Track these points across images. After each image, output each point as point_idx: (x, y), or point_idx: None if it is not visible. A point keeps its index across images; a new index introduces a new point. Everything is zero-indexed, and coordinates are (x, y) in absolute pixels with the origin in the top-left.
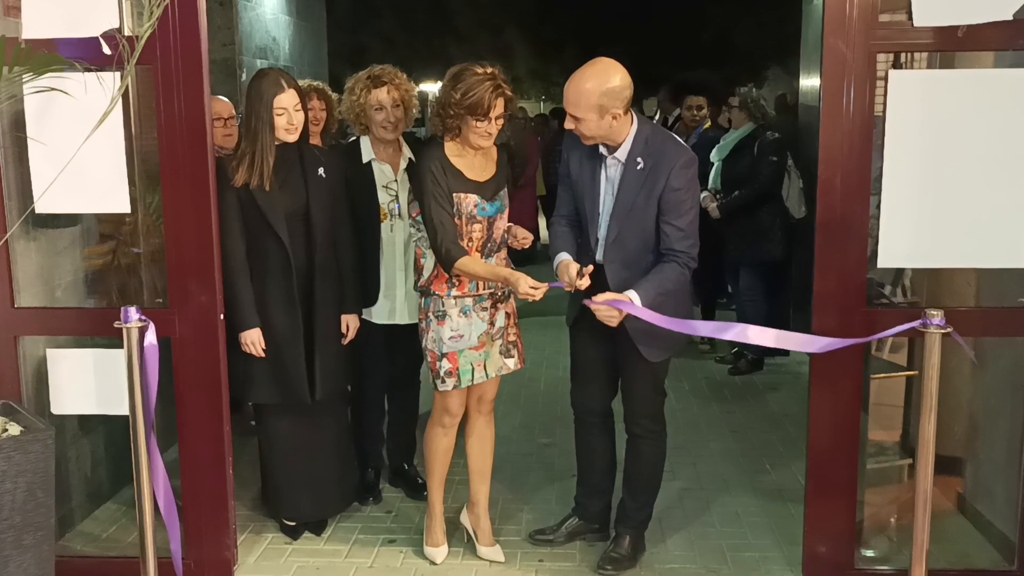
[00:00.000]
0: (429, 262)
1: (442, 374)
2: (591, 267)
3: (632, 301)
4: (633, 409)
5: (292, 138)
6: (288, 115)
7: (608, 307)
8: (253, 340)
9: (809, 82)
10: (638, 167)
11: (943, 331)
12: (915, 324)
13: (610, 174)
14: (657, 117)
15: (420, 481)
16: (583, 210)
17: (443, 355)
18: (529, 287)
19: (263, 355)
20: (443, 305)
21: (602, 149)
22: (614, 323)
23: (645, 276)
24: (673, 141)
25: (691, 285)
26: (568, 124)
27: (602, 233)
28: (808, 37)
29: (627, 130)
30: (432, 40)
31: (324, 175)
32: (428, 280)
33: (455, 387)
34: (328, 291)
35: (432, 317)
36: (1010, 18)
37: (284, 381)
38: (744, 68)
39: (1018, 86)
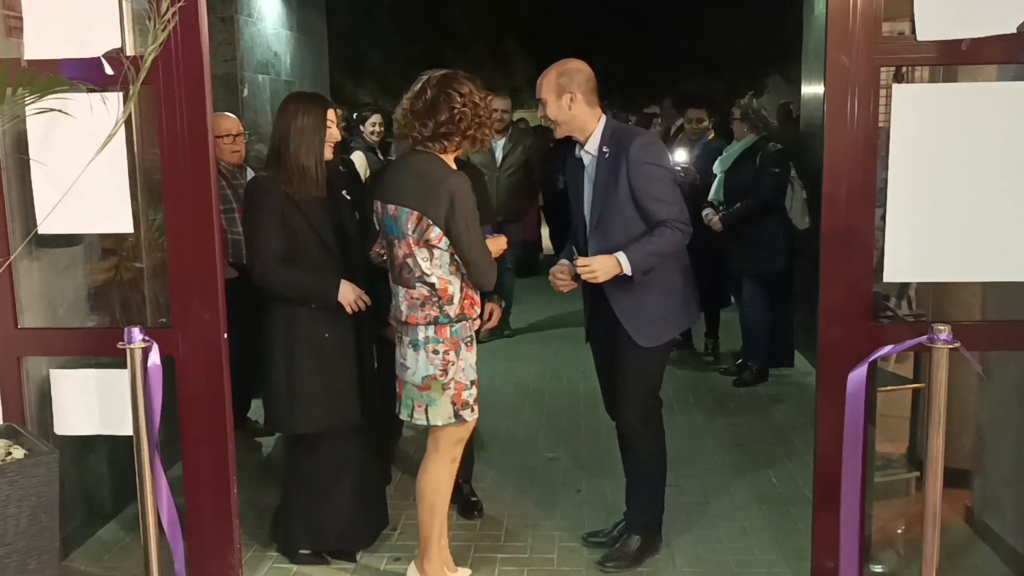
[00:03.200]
0: (454, 287)
1: (471, 403)
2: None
3: (619, 260)
4: (624, 410)
5: (329, 154)
6: (333, 129)
7: (587, 265)
8: (353, 297)
9: (811, 91)
10: (605, 155)
11: (950, 346)
12: (922, 339)
13: (588, 171)
14: (660, 125)
15: (474, 499)
16: (574, 215)
17: (471, 383)
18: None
19: (365, 306)
20: (471, 328)
21: (578, 151)
22: (596, 278)
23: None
24: (639, 129)
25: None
26: (539, 111)
27: (589, 230)
28: (809, 47)
29: (594, 123)
30: (431, 50)
31: (346, 193)
32: (460, 307)
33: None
34: (369, 308)
35: (462, 345)
36: (1014, 31)
37: (338, 404)
38: (744, 76)
39: (1020, 99)
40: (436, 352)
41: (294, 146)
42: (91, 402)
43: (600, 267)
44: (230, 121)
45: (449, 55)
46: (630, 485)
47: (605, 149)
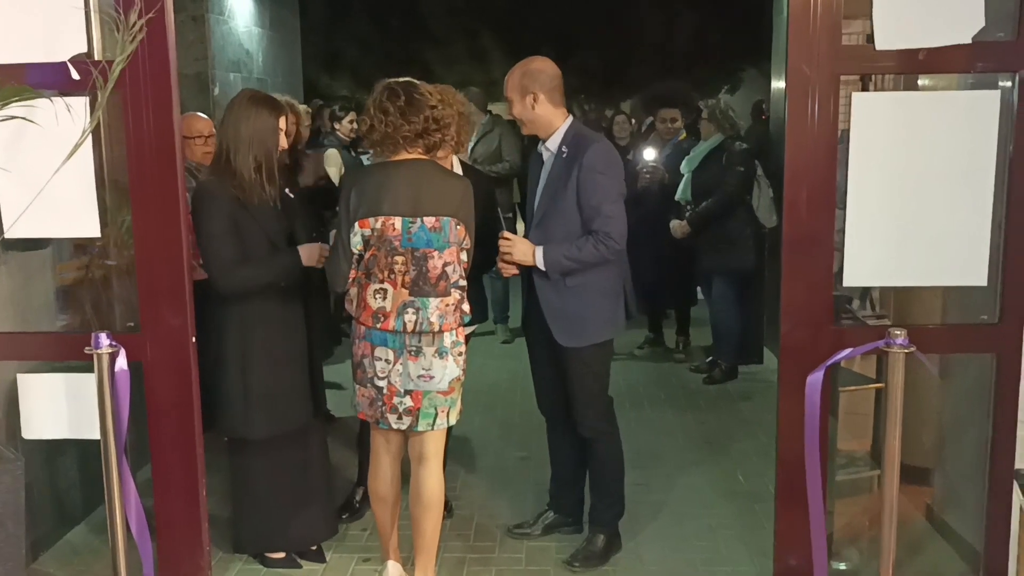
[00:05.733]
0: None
1: None
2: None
3: (535, 253)
4: (578, 411)
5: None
6: (282, 135)
7: (510, 241)
8: (316, 254)
9: (780, 90)
10: (563, 155)
11: (906, 350)
12: (879, 344)
13: (545, 166)
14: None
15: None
16: (527, 208)
17: None
18: None
19: (324, 259)
20: None
21: (540, 147)
22: (512, 256)
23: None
24: (599, 137)
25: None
26: (507, 110)
27: (533, 223)
28: (778, 47)
29: (559, 122)
30: (408, 44)
31: (291, 194)
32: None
33: None
34: (316, 308)
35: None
36: (969, 41)
37: (290, 407)
38: (719, 72)
39: (977, 107)
40: (460, 354)
41: (243, 153)
42: (59, 406)
43: (519, 248)
44: (202, 122)
45: (425, 50)
46: (594, 484)
47: (564, 149)
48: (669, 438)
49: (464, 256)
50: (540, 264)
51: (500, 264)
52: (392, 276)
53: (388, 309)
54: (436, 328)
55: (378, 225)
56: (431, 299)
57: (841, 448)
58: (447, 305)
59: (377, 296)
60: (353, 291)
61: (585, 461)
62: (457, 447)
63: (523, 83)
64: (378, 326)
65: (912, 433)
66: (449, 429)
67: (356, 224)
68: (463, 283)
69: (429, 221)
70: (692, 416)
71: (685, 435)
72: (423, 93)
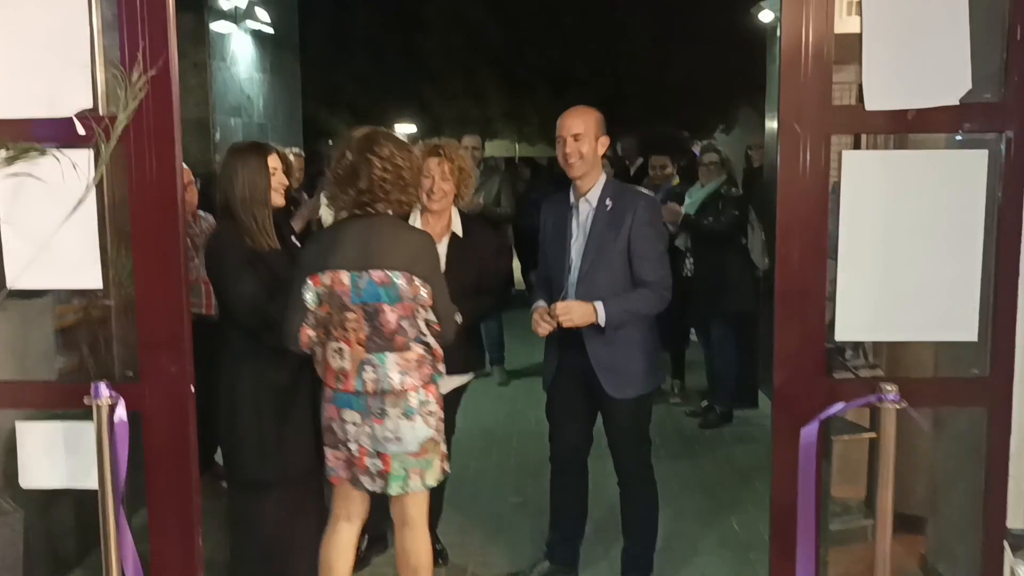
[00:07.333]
0: (437, 344)
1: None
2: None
3: (596, 309)
4: (620, 458)
5: (281, 200)
6: (278, 174)
7: (567, 310)
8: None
9: (774, 129)
10: (607, 208)
11: (898, 406)
12: (871, 399)
13: (581, 219)
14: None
15: (438, 546)
16: (550, 259)
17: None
18: None
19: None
20: None
21: (572, 198)
22: (572, 321)
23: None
24: (637, 189)
25: (656, 330)
26: (569, 147)
27: (573, 276)
28: (772, 92)
29: (600, 173)
30: (406, 81)
31: (297, 243)
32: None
33: None
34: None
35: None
36: (956, 103)
37: (299, 450)
38: (715, 110)
39: (965, 165)
40: (431, 413)
41: (241, 201)
42: (57, 455)
43: (578, 312)
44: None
45: (424, 88)
46: (630, 530)
47: (608, 202)
48: (663, 484)
49: (428, 313)
50: (601, 320)
51: (538, 324)
52: (347, 334)
53: (347, 368)
54: (398, 387)
55: (327, 280)
56: (388, 354)
57: (836, 495)
58: (407, 361)
59: (335, 356)
60: (318, 351)
61: (586, 513)
62: (452, 492)
63: (600, 124)
64: (340, 387)
65: (906, 482)
66: (441, 486)
67: (308, 280)
68: (429, 340)
69: (377, 275)
70: (687, 462)
71: (680, 482)
72: (371, 158)
